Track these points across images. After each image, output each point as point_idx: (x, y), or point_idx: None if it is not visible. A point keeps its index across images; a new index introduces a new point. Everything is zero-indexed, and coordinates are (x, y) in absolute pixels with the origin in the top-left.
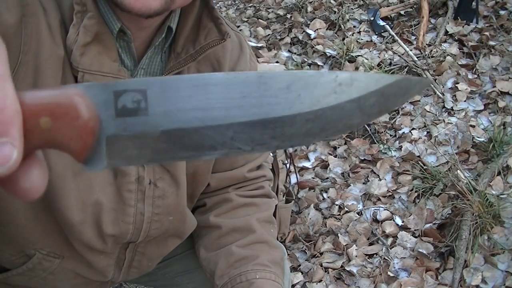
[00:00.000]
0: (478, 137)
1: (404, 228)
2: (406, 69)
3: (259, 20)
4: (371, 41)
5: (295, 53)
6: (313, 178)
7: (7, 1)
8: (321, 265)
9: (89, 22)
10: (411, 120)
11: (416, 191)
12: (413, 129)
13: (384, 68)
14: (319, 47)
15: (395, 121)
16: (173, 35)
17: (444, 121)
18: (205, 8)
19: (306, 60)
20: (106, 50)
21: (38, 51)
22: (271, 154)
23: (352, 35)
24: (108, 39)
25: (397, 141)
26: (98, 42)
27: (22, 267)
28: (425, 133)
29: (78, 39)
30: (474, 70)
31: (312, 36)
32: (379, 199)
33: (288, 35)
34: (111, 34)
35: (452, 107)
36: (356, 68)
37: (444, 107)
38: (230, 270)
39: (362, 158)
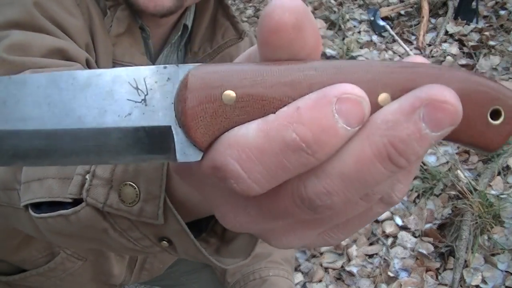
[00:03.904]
0: None
1: (404, 228)
2: None
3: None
4: (371, 41)
5: None
6: None
7: (66, 5)
8: (321, 265)
9: (122, 13)
10: None
11: (416, 191)
12: None
13: None
14: None
15: None
16: (189, 34)
17: None
18: (219, 6)
19: None
20: (136, 44)
21: (96, 46)
22: None
23: (352, 35)
24: (137, 33)
25: None
26: (129, 33)
27: (44, 266)
28: None
29: (111, 30)
30: (474, 70)
31: None
32: None
33: None
34: (139, 28)
35: None
36: None
37: None
38: (243, 268)
39: None
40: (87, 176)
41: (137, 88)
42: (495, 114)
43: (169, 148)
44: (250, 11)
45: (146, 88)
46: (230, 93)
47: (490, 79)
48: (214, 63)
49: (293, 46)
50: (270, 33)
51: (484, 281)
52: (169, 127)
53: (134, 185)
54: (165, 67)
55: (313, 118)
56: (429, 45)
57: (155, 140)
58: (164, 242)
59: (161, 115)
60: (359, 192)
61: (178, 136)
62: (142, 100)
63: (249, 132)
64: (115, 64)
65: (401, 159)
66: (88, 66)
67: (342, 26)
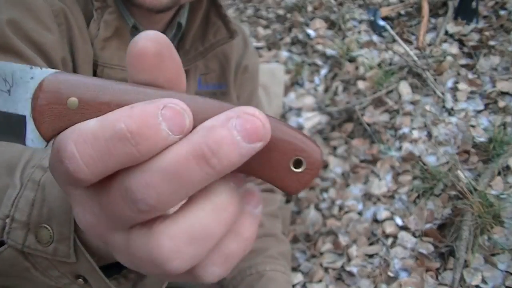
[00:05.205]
0: (478, 137)
1: (404, 228)
2: (406, 69)
3: (259, 19)
4: (371, 41)
5: (295, 53)
6: None
7: (43, 20)
8: (321, 265)
9: (109, 17)
10: (411, 120)
11: (416, 191)
12: (413, 129)
13: (384, 68)
14: (319, 47)
15: (395, 121)
16: (182, 33)
17: (444, 121)
18: (212, 5)
19: (306, 60)
20: (124, 45)
21: (75, 56)
22: None
23: (352, 35)
24: (126, 35)
25: (397, 141)
26: (117, 37)
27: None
28: (425, 133)
29: (99, 33)
30: (474, 70)
31: (312, 36)
32: (379, 199)
33: (288, 35)
34: (128, 29)
35: (452, 107)
36: (356, 68)
37: (444, 107)
38: (240, 263)
39: (362, 158)
40: (7, 220)
41: (5, 80)
42: (298, 163)
43: (22, 134)
44: (250, 11)
45: (13, 81)
46: (74, 100)
47: (298, 131)
48: (70, 73)
49: (153, 72)
50: (135, 56)
51: (484, 281)
52: (24, 116)
53: (48, 227)
54: (31, 67)
55: (141, 115)
56: (429, 45)
57: (12, 125)
58: (80, 280)
59: (20, 106)
60: (174, 189)
61: (29, 125)
62: (8, 90)
63: (90, 122)
64: (103, 67)
65: (213, 159)
66: None
67: (342, 26)
